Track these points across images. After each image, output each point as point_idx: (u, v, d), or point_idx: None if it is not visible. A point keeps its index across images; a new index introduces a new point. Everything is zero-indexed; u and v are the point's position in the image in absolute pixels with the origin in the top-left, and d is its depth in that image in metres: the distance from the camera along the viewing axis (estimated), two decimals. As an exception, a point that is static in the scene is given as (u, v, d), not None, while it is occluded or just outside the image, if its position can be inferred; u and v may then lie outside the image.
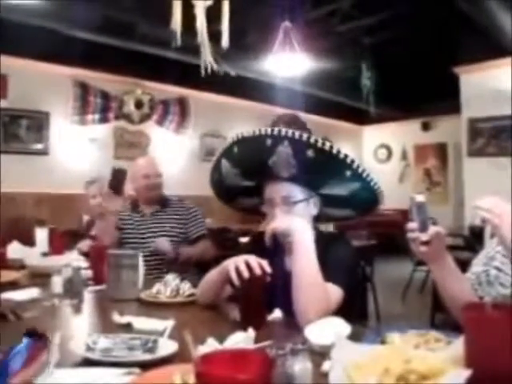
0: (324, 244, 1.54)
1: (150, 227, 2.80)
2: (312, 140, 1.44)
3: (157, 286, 1.84)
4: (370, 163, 10.10)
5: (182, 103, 7.36)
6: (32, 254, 2.72)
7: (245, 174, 1.64)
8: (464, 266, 1.40)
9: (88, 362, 1.07)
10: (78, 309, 1.72)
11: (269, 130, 1.47)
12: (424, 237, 1.20)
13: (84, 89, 6.31)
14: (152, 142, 7.04)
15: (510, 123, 6.13)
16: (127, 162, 3.47)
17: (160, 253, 2.67)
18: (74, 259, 2.28)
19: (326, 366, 1.01)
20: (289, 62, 5.41)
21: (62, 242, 2.92)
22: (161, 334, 1.25)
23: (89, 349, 1.11)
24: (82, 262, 2.23)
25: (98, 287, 2.00)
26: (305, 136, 1.44)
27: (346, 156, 1.47)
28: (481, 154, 6.64)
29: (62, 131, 6.13)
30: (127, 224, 2.84)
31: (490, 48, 5.59)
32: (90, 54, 5.48)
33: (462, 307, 0.93)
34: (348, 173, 1.50)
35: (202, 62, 1.83)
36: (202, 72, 1.86)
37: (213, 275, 1.62)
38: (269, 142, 1.48)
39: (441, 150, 9.63)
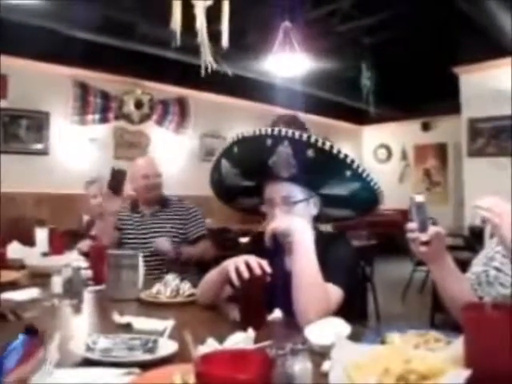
0: (324, 244, 1.54)
1: (150, 227, 2.79)
2: (312, 140, 1.44)
3: (157, 286, 1.84)
4: (369, 163, 10.10)
5: (182, 103, 7.36)
6: (32, 253, 2.72)
7: (245, 174, 1.64)
8: (464, 266, 1.40)
9: (88, 362, 1.07)
10: (77, 309, 1.72)
11: (269, 130, 1.47)
12: (424, 237, 1.20)
13: (84, 89, 6.31)
14: (152, 142, 7.04)
15: (509, 123, 6.13)
16: (127, 162, 3.47)
17: (160, 253, 2.67)
18: (73, 259, 2.28)
19: (325, 365, 1.01)
20: (289, 62, 5.41)
21: (61, 242, 2.92)
22: (161, 334, 1.26)
23: (89, 349, 1.11)
24: (82, 262, 2.23)
25: (97, 287, 2.00)
26: (305, 136, 1.44)
27: (346, 156, 1.47)
28: (481, 154, 6.64)
29: (62, 131, 6.13)
30: (127, 224, 2.84)
31: (490, 48, 5.59)
32: (90, 54, 5.48)
33: (461, 307, 0.93)
34: (348, 173, 1.50)
35: (202, 62, 1.83)
36: (203, 72, 1.85)
37: (213, 275, 1.62)
38: (269, 141, 1.48)
39: (441, 150, 9.63)
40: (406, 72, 6.87)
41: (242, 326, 1.25)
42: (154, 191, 2.83)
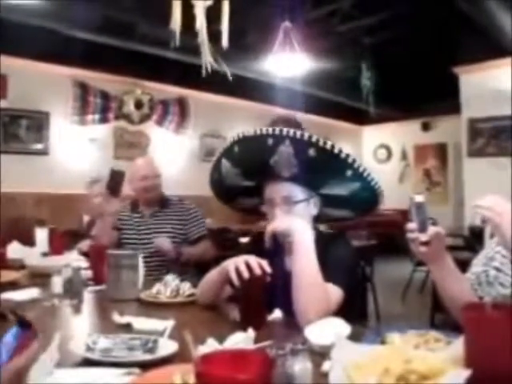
0: (324, 244, 1.54)
1: (150, 228, 2.79)
2: (313, 139, 1.44)
3: (157, 287, 1.84)
4: (369, 163, 10.09)
5: (182, 103, 7.36)
6: (32, 254, 2.72)
7: (245, 174, 1.64)
8: (464, 266, 1.40)
9: (88, 362, 1.07)
10: (77, 309, 1.72)
11: (270, 130, 1.47)
12: (423, 237, 1.20)
13: (84, 89, 6.31)
14: (152, 142, 7.04)
15: (509, 123, 6.13)
16: (127, 162, 3.47)
17: (161, 252, 2.66)
18: (73, 259, 2.28)
19: (326, 366, 1.01)
20: (289, 62, 5.41)
21: (61, 242, 2.92)
22: (161, 334, 1.26)
23: (89, 349, 1.11)
24: (82, 262, 2.23)
25: (97, 287, 2.00)
26: (306, 135, 1.44)
27: (347, 155, 1.47)
28: (481, 154, 6.64)
29: (61, 131, 6.13)
30: (127, 224, 2.84)
31: (490, 48, 5.59)
32: (90, 54, 5.48)
33: (461, 307, 0.93)
34: (349, 172, 1.50)
35: (203, 62, 1.83)
36: (204, 72, 1.85)
37: (213, 275, 1.62)
38: (270, 141, 1.48)
39: (441, 150, 9.63)
40: (406, 72, 6.87)
41: (242, 326, 1.25)
42: (153, 192, 2.83)
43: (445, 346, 1.06)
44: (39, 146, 5.98)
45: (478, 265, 1.40)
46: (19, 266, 2.41)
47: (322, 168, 1.50)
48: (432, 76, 6.59)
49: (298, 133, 1.44)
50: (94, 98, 6.41)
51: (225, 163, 1.63)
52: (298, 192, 1.58)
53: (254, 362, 0.79)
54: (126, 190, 2.79)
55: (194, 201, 3.02)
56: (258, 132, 1.49)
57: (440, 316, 3.71)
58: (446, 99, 7.41)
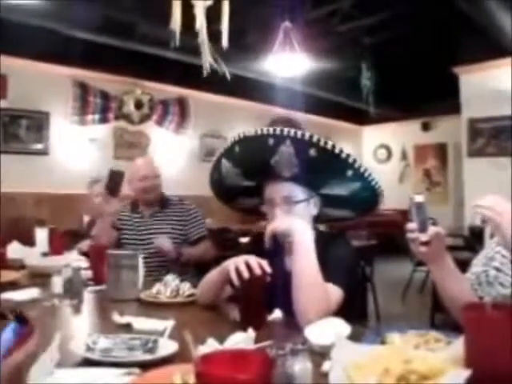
0: (324, 244, 1.54)
1: (150, 228, 2.79)
2: (314, 139, 1.44)
3: (157, 287, 1.84)
4: (369, 163, 10.09)
5: (182, 103, 7.36)
6: (32, 254, 2.72)
7: (246, 174, 1.64)
8: (464, 266, 1.40)
9: (88, 362, 1.07)
10: (77, 309, 1.72)
11: (271, 130, 1.47)
12: (423, 237, 1.20)
13: (84, 89, 6.31)
14: (152, 143, 7.04)
15: (509, 123, 6.13)
16: (127, 163, 3.47)
17: (161, 252, 2.66)
18: (73, 259, 2.28)
19: (326, 366, 1.01)
20: (289, 62, 5.41)
21: (61, 242, 2.92)
22: (161, 334, 1.26)
23: (89, 349, 1.11)
24: (82, 262, 2.22)
25: (97, 287, 2.00)
26: (307, 135, 1.44)
27: (348, 155, 1.47)
28: (481, 154, 6.64)
29: (61, 131, 6.13)
30: (127, 224, 2.84)
31: (490, 48, 5.59)
32: (90, 54, 5.48)
33: (461, 307, 0.93)
34: (349, 172, 1.50)
35: (204, 62, 1.83)
36: (204, 72, 1.85)
37: (213, 275, 1.62)
38: (271, 141, 1.48)
39: (441, 150, 9.64)
40: (406, 72, 6.87)
41: (242, 326, 1.25)
42: (152, 192, 2.82)
43: (445, 346, 1.06)
44: (39, 146, 5.98)
45: (477, 265, 1.40)
46: (19, 266, 2.41)
47: (322, 168, 1.50)
48: (432, 76, 6.59)
49: (299, 133, 1.44)
50: (93, 97, 6.41)
51: (225, 163, 1.63)
52: (298, 192, 1.58)
53: (254, 362, 0.79)
54: (126, 190, 2.79)
55: (194, 201, 3.02)
56: (259, 132, 1.49)
57: (440, 316, 3.71)
58: (446, 99, 7.41)
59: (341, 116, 9.48)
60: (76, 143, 6.25)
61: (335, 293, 1.45)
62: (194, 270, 2.75)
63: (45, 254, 2.77)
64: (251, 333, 1.17)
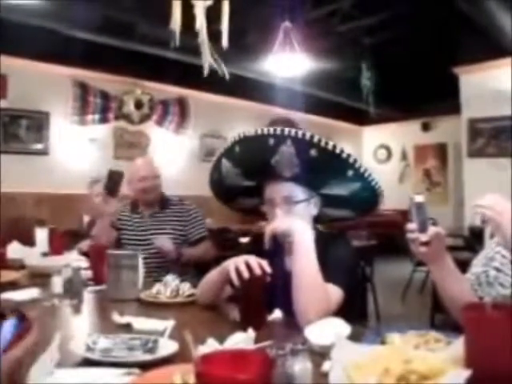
0: (324, 244, 1.54)
1: (150, 228, 2.78)
2: (315, 139, 1.44)
3: (157, 287, 1.84)
4: (369, 163, 10.08)
5: (182, 103, 7.36)
6: (32, 254, 2.72)
7: (246, 174, 1.64)
8: (464, 266, 1.40)
9: (88, 362, 1.07)
10: (77, 309, 1.72)
11: (271, 130, 1.47)
12: (423, 237, 1.20)
13: (84, 89, 6.31)
14: (152, 143, 7.04)
15: (509, 124, 6.13)
16: (127, 163, 3.47)
17: (161, 251, 2.66)
18: (73, 259, 2.28)
19: (326, 366, 1.01)
20: (289, 62, 5.41)
21: (61, 242, 2.92)
22: (161, 334, 1.26)
23: (89, 349, 1.11)
24: (82, 262, 2.22)
25: (97, 287, 2.00)
26: (308, 135, 1.44)
27: (348, 155, 1.48)
28: (481, 155, 6.64)
29: (61, 131, 6.13)
30: (126, 225, 2.83)
31: (490, 48, 5.59)
32: (90, 54, 5.48)
33: (461, 307, 0.93)
34: (350, 172, 1.50)
35: (204, 62, 1.83)
36: (205, 72, 1.85)
37: (213, 275, 1.62)
38: (271, 141, 1.48)
39: (441, 151, 9.63)
40: (406, 72, 6.87)
41: (242, 326, 1.25)
42: (152, 193, 2.81)
43: (445, 346, 1.06)
44: (39, 146, 5.98)
45: (477, 265, 1.40)
46: (19, 266, 2.41)
47: (323, 168, 1.50)
48: (432, 76, 6.59)
49: (300, 133, 1.44)
50: (93, 97, 6.41)
51: (225, 163, 1.63)
52: (298, 192, 1.58)
53: (254, 362, 0.79)
54: (125, 190, 2.78)
55: (194, 201, 3.02)
56: (260, 132, 1.49)
57: (440, 316, 3.71)
58: (446, 99, 7.41)
59: (341, 116, 9.48)
60: (76, 143, 6.25)
61: (335, 293, 1.46)
62: (194, 270, 2.75)
63: (45, 254, 2.77)
64: (251, 333, 1.17)
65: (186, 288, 1.82)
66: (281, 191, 1.57)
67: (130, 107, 6.76)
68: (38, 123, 5.94)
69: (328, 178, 1.56)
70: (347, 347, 0.97)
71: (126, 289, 1.84)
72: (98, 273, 2.06)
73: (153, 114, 7.04)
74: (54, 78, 5.93)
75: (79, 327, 1.55)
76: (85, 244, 2.88)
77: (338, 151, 1.46)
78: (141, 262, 2.02)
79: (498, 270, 1.34)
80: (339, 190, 1.57)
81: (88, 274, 2.10)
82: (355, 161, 1.49)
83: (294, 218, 1.53)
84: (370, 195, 1.58)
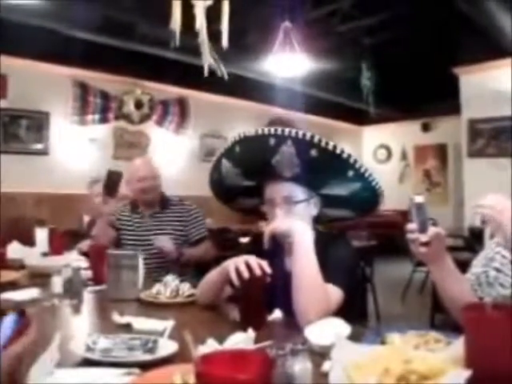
0: (324, 244, 1.54)
1: (149, 229, 2.78)
2: (316, 139, 1.44)
3: (157, 287, 1.84)
4: (369, 164, 10.08)
5: (182, 103, 7.36)
6: (32, 254, 2.72)
7: (246, 174, 1.64)
8: (464, 266, 1.40)
9: (88, 362, 1.07)
10: (77, 309, 1.72)
11: (272, 130, 1.47)
12: (423, 238, 1.20)
13: (84, 89, 6.31)
14: (152, 143, 7.04)
15: (509, 124, 6.13)
16: (127, 163, 3.47)
17: (162, 251, 2.65)
18: (73, 259, 2.28)
19: (326, 366, 1.01)
20: (289, 63, 5.41)
21: (61, 242, 2.92)
22: (161, 334, 1.25)
23: (89, 349, 1.11)
24: (82, 262, 2.22)
25: (97, 287, 2.00)
26: (308, 135, 1.44)
27: (349, 156, 1.48)
28: (481, 155, 6.64)
29: (61, 131, 6.13)
30: (126, 225, 2.83)
31: (490, 49, 5.59)
32: (90, 54, 5.48)
33: (461, 308, 0.93)
34: (350, 173, 1.50)
35: (204, 62, 1.83)
36: (206, 72, 1.85)
37: (213, 275, 1.62)
38: (272, 141, 1.48)
39: (441, 151, 9.64)
40: (406, 72, 6.88)
41: (242, 326, 1.25)
42: (151, 193, 2.80)
43: (445, 346, 1.06)
44: (39, 146, 5.98)
45: (477, 265, 1.40)
46: (19, 266, 2.41)
47: (323, 168, 1.50)
48: (432, 76, 6.60)
49: (301, 133, 1.44)
50: (93, 97, 6.41)
51: (225, 163, 1.63)
52: (298, 192, 1.58)
53: (254, 362, 0.79)
54: (124, 190, 2.78)
55: (194, 201, 3.01)
56: (260, 132, 1.49)
57: (440, 316, 3.71)
58: (446, 100, 7.42)
59: (341, 116, 9.48)
60: (76, 143, 6.25)
61: (335, 293, 1.45)
62: (194, 270, 2.75)
63: (45, 254, 2.77)
64: (251, 333, 1.17)
65: (185, 288, 1.82)
66: (281, 191, 1.57)
67: (129, 107, 6.76)
68: (38, 123, 5.94)
69: (328, 178, 1.56)
70: (347, 347, 0.97)
71: (126, 289, 1.84)
72: (97, 273, 2.06)
73: (153, 114, 7.04)
74: (54, 78, 5.93)
75: (79, 327, 1.55)
76: (85, 244, 2.87)
77: (338, 151, 1.46)
78: (141, 262, 2.01)
79: (497, 270, 1.34)
80: (339, 190, 1.57)
81: (88, 273, 2.10)
82: (355, 161, 1.49)
83: (294, 219, 1.53)
84: (370, 195, 1.58)
